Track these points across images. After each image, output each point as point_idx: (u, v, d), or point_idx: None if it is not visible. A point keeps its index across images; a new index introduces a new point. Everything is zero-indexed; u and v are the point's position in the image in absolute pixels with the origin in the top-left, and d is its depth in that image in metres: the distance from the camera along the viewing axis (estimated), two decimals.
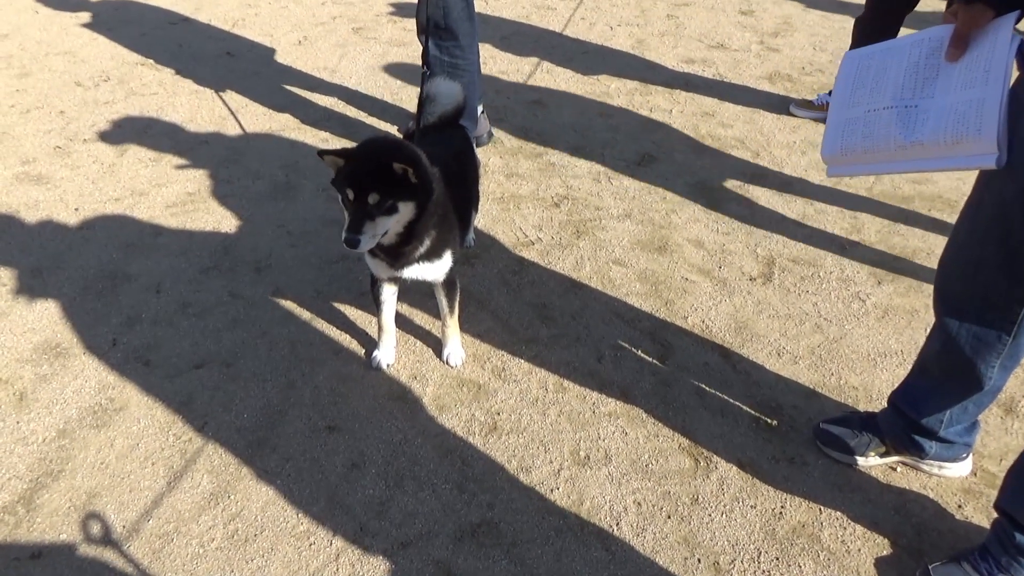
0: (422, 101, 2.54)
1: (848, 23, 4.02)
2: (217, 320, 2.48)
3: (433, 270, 2.10)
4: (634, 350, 2.40)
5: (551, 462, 2.04)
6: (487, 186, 3.19)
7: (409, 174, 1.82)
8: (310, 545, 1.82)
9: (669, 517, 1.91)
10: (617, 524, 1.89)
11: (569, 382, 2.28)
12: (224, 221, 2.96)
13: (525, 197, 3.15)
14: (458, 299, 2.28)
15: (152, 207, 3.02)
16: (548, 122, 3.74)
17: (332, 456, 2.04)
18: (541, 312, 2.54)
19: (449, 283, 2.21)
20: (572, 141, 3.57)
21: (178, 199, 3.07)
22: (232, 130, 3.59)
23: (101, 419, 2.13)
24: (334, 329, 2.46)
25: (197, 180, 3.20)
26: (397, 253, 1.98)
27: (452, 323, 2.29)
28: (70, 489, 1.94)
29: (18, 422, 2.12)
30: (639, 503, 1.95)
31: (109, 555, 1.79)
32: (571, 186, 3.23)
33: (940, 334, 1.79)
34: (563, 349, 2.39)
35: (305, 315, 2.51)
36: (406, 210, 1.87)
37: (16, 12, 4.79)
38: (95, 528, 1.84)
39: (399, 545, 1.83)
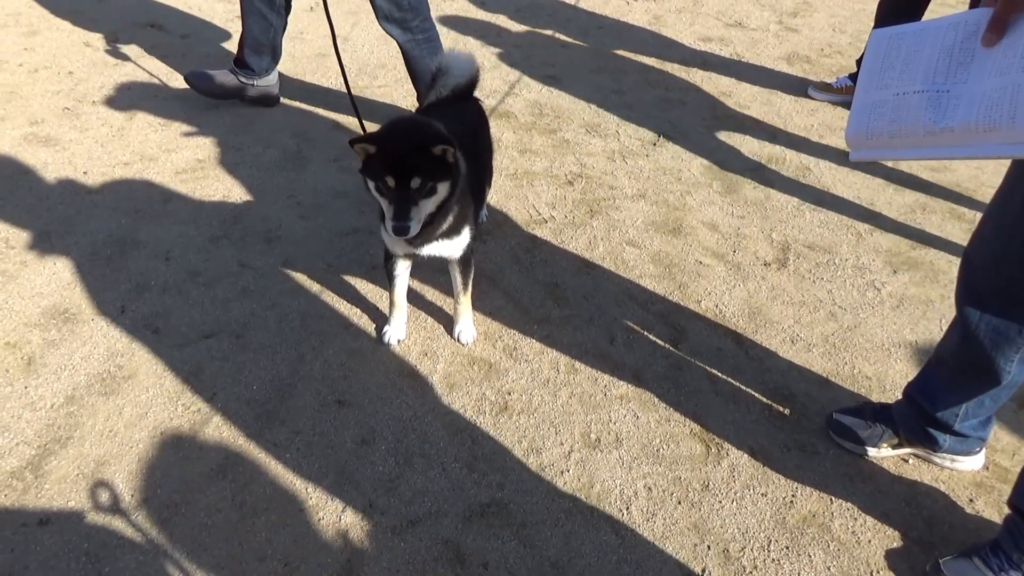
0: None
1: (869, 4, 3.95)
2: (227, 290, 2.46)
3: (452, 247, 2.07)
4: (647, 333, 2.38)
5: (561, 444, 2.03)
6: (500, 161, 3.15)
7: (448, 154, 1.80)
8: (319, 520, 1.81)
9: (679, 503, 1.91)
10: (627, 508, 1.88)
11: (581, 363, 2.26)
12: (234, 189, 2.93)
13: (539, 174, 3.11)
14: (472, 276, 2.25)
15: (161, 173, 2.98)
16: (562, 98, 3.68)
17: (341, 431, 2.03)
18: (553, 292, 2.52)
19: (464, 260, 2.18)
20: (586, 118, 3.52)
21: (188, 165, 3.03)
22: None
23: (110, 386, 2.12)
24: (344, 303, 2.43)
25: (207, 147, 3.16)
26: (420, 231, 1.95)
27: (465, 300, 2.27)
28: (78, 456, 1.93)
29: (26, 387, 2.10)
30: (649, 488, 1.94)
31: (117, 523, 1.78)
32: (585, 164, 3.19)
33: (960, 327, 1.77)
34: (575, 330, 2.37)
35: (315, 287, 2.48)
36: (443, 190, 1.86)
37: None
38: (103, 496, 1.83)
39: (408, 523, 1.82)
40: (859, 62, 3.74)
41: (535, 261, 2.64)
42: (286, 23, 3.22)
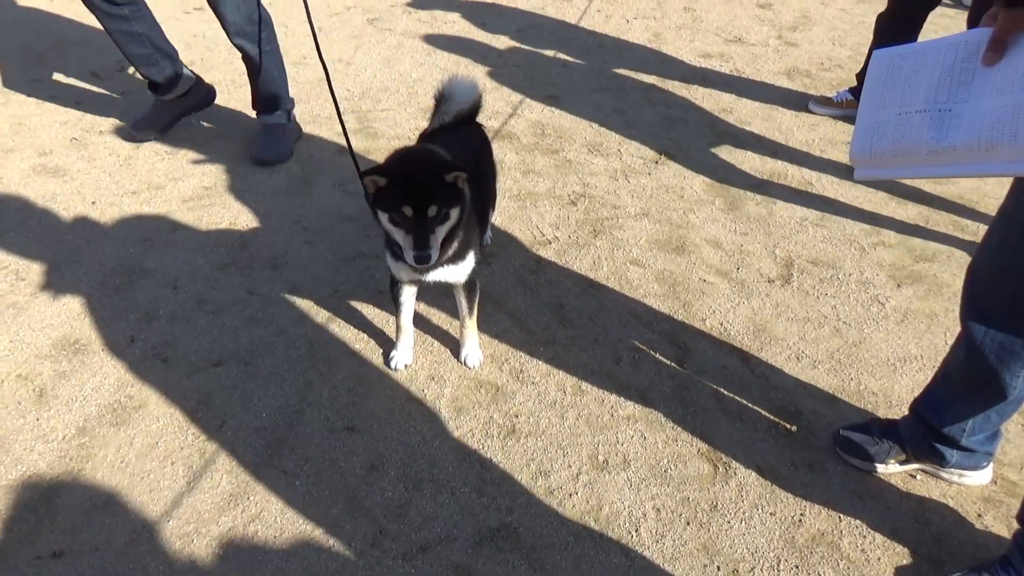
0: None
1: (868, 17, 3.98)
2: (234, 317, 2.48)
3: (457, 272, 2.09)
4: (652, 352, 2.39)
5: (569, 466, 2.04)
6: (504, 183, 3.18)
7: (459, 180, 1.83)
8: (329, 548, 1.82)
9: (688, 524, 1.91)
10: (636, 530, 1.89)
11: (587, 384, 2.28)
12: (240, 216, 2.96)
13: (542, 195, 3.13)
14: (477, 300, 2.27)
15: (169, 201, 3.01)
16: (564, 118, 3.71)
17: (351, 457, 2.04)
18: (558, 313, 2.53)
19: (470, 284, 2.20)
20: (588, 137, 3.55)
21: (194, 193, 3.06)
22: (248, 124, 3.58)
23: (120, 417, 2.14)
24: (351, 328, 2.45)
25: (213, 174, 3.20)
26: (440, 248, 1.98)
27: (471, 324, 2.28)
28: (90, 487, 1.94)
29: (38, 419, 2.13)
30: (658, 509, 1.94)
31: (130, 555, 1.79)
32: (588, 184, 3.21)
33: (965, 342, 1.77)
34: (581, 351, 2.39)
35: (322, 313, 2.50)
36: (455, 215, 1.89)
37: (31, 1, 4.78)
38: (116, 528, 1.85)
39: (418, 548, 1.83)
40: (859, 76, 3.77)
41: (540, 282, 2.66)
42: (152, 21, 3.19)
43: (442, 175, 1.81)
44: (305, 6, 2.50)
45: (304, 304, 2.54)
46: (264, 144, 3.31)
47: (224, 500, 1.92)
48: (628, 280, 2.68)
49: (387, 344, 2.38)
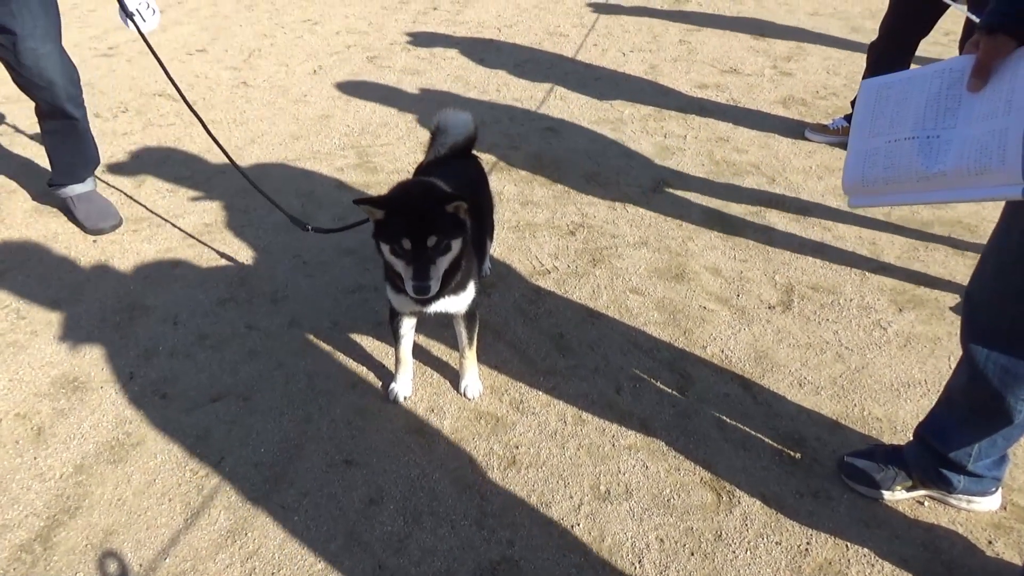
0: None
1: (862, 47, 4.02)
2: (234, 352, 2.48)
3: (458, 303, 2.09)
4: (653, 381, 2.37)
5: (571, 497, 2.01)
6: (502, 214, 3.19)
7: (460, 211, 1.84)
8: None
9: (692, 554, 1.88)
10: (639, 561, 1.86)
11: (588, 414, 2.26)
12: (241, 252, 2.97)
13: (540, 225, 3.14)
14: (477, 330, 2.26)
15: (169, 238, 3.03)
16: (562, 149, 3.74)
17: (350, 491, 2.02)
18: (558, 342, 2.52)
19: (470, 315, 2.19)
20: (587, 168, 3.57)
21: (195, 229, 3.08)
22: (249, 160, 3.61)
23: (118, 454, 2.12)
24: (351, 361, 2.45)
25: (214, 211, 3.22)
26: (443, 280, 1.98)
27: (470, 355, 2.28)
28: (87, 526, 1.92)
29: (35, 457, 2.11)
30: (661, 539, 1.91)
31: None
32: (586, 214, 3.22)
33: (967, 366, 1.76)
34: (581, 380, 2.37)
35: (322, 346, 2.50)
36: (457, 246, 1.88)
37: None
38: (112, 567, 1.83)
39: None
40: (854, 103, 3.79)
41: (539, 312, 2.65)
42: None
43: (442, 206, 1.82)
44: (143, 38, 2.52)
45: (304, 337, 2.54)
46: (100, 210, 3.10)
47: (222, 537, 1.90)
48: (628, 308, 2.67)
49: (387, 376, 2.37)
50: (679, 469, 2.10)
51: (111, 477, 2.06)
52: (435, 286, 1.83)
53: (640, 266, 2.89)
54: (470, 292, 2.11)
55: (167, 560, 1.84)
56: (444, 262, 1.87)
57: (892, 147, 1.48)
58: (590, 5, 5.83)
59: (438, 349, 2.50)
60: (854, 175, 1.55)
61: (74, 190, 3.10)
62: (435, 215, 1.82)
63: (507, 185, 3.43)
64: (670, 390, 2.34)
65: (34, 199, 3.28)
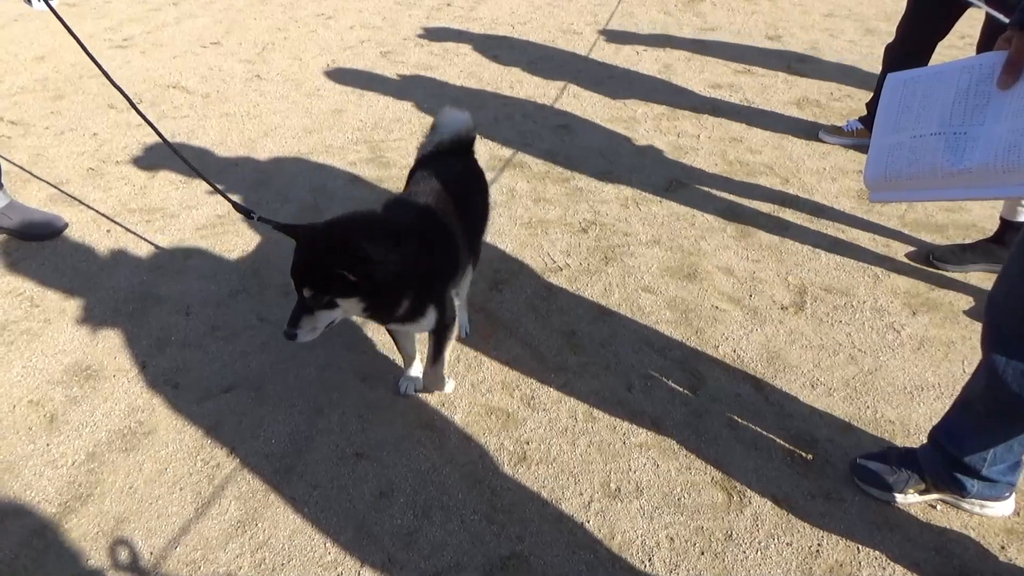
0: None
1: (876, 49, 4.00)
2: (246, 344, 2.48)
3: (416, 326, 2.00)
4: (665, 380, 2.36)
5: (581, 494, 2.01)
6: (515, 211, 3.19)
7: (349, 276, 1.67)
8: (337, 575, 1.80)
9: (703, 553, 1.87)
10: (649, 560, 1.85)
11: (599, 412, 2.25)
12: (252, 244, 2.97)
13: (553, 222, 3.14)
14: (450, 342, 2.14)
15: (182, 229, 3.04)
16: (575, 147, 3.73)
17: (360, 484, 2.02)
18: (570, 339, 2.52)
19: (439, 330, 2.07)
20: (599, 166, 3.56)
21: (208, 221, 3.08)
22: (262, 153, 3.62)
23: (130, 443, 2.13)
24: (361, 354, 2.45)
25: (226, 203, 3.21)
26: (378, 311, 1.87)
27: (438, 363, 2.16)
28: (99, 514, 1.93)
29: (48, 444, 2.12)
30: (672, 538, 1.90)
31: None
32: (599, 211, 3.22)
33: (986, 371, 1.74)
34: (592, 378, 2.37)
35: (333, 340, 2.49)
36: (349, 304, 1.77)
37: (51, 35, 4.88)
38: (123, 554, 1.83)
39: None
40: (869, 105, 3.77)
41: (551, 309, 2.65)
42: None
43: (334, 265, 1.66)
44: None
45: None
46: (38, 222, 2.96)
47: (232, 527, 1.90)
48: (640, 307, 2.67)
49: (397, 370, 2.37)
50: (690, 468, 2.09)
51: (123, 465, 2.06)
52: (304, 336, 1.75)
53: (652, 265, 2.88)
54: (430, 318, 1.98)
55: (178, 549, 1.85)
56: (330, 316, 1.77)
57: (917, 143, 1.47)
58: (603, 3, 5.82)
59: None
60: (876, 170, 1.53)
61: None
62: (318, 268, 1.69)
63: (520, 182, 3.42)
64: (682, 389, 2.34)
65: (48, 188, 3.28)
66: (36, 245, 2.91)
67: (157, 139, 3.63)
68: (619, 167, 3.56)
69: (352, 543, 1.87)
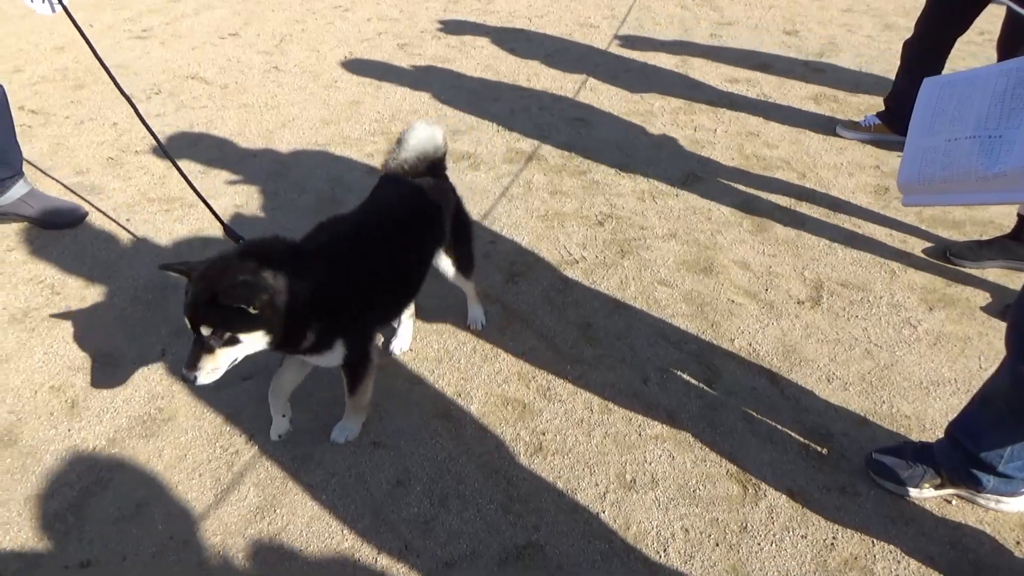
0: None
1: (895, 45, 3.97)
2: None
3: (322, 360, 1.92)
4: (680, 373, 2.37)
5: (597, 484, 2.02)
6: (531, 203, 3.19)
7: (249, 310, 1.62)
8: (356, 562, 1.82)
9: (717, 545, 1.88)
10: (664, 550, 1.86)
11: (614, 403, 2.26)
12: (271, 233, 2.98)
13: (569, 215, 3.14)
14: (361, 384, 2.03)
15: (201, 219, 3.06)
16: (592, 140, 3.73)
17: (377, 472, 2.04)
18: (586, 332, 2.52)
19: (350, 367, 1.98)
20: (616, 159, 3.56)
21: (226, 211, 3.11)
22: (280, 144, 3.64)
23: (150, 429, 2.16)
24: (378, 344, 2.46)
25: (245, 193, 3.25)
26: (279, 348, 1.82)
27: (348, 405, 2.09)
28: (119, 498, 1.96)
29: (69, 430, 2.15)
30: (687, 529, 1.91)
31: (157, 566, 1.80)
32: (615, 204, 3.22)
33: (1011, 372, 1.73)
34: (608, 370, 2.37)
35: None
36: (253, 339, 1.69)
37: (70, 26, 4.89)
38: (143, 538, 1.86)
39: (444, 565, 1.81)
40: (887, 101, 3.75)
41: (567, 302, 2.66)
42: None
43: (231, 299, 1.60)
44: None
45: None
46: (59, 210, 3.01)
47: (251, 512, 1.93)
48: (656, 300, 2.67)
49: (415, 362, 2.39)
50: (705, 460, 2.10)
51: (143, 451, 2.09)
52: (204, 377, 1.67)
53: (668, 258, 2.89)
54: (337, 353, 1.90)
55: (197, 534, 1.87)
56: (233, 353, 1.69)
57: (951, 146, 1.46)
58: None
59: (463, 336, 2.50)
60: (910, 173, 1.53)
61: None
62: (215, 304, 1.60)
63: (536, 174, 3.43)
64: (697, 382, 2.34)
65: (69, 177, 3.32)
66: (57, 233, 2.94)
67: (175, 130, 3.69)
68: (636, 160, 3.55)
69: (369, 530, 1.89)
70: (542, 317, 2.58)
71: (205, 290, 1.63)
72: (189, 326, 1.66)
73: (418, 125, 2.18)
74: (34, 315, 2.55)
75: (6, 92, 2.85)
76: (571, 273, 2.80)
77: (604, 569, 1.81)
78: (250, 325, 1.66)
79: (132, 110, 2.40)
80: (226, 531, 1.88)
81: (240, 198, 3.20)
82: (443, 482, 2.02)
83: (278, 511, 1.93)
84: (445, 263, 2.29)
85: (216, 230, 2.99)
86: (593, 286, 2.74)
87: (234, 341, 1.67)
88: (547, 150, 3.63)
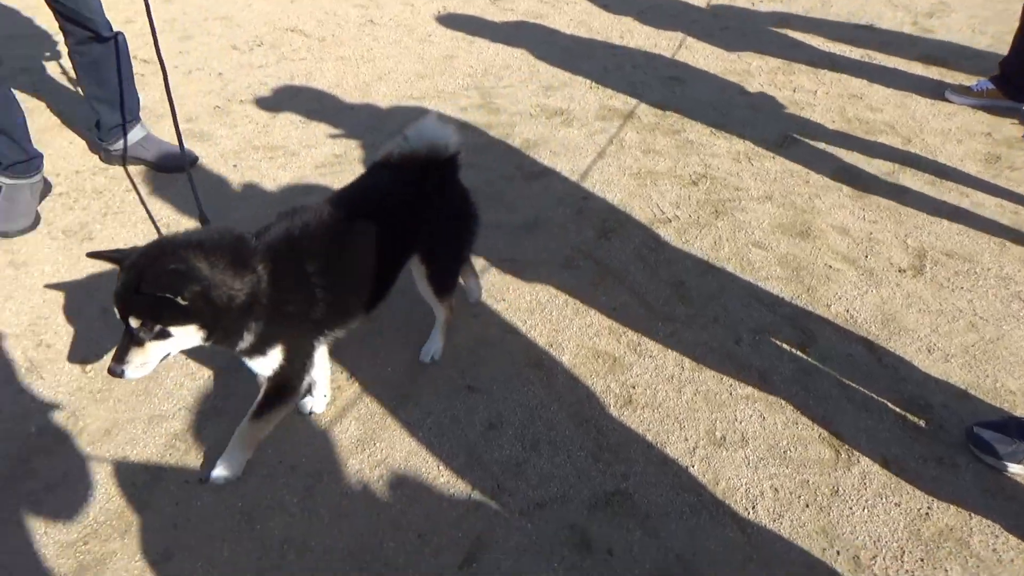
0: None
1: (1013, 5, 3.75)
2: None
3: (256, 365, 1.82)
4: (774, 335, 2.35)
5: (686, 439, 2.04)
6: (623, 160, 3.18)
7: (178, 300, 1.52)
8: (450, 496, 1.90)
9: (807, 506, 1.88)
10: (753, 507, 1.88)
11: (706, 362, 2.26)
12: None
13: (662, 174, 3.12)
14: (274, 411, 1.87)
15: (302, 167, 3.17)
16: (687, 99, 3.67)
17: (471, 414, 2.11)
18: (678, 290, 2.52)
19: (275, 382, 1.84)
20: (711, 119, 3.50)
21: (326, 160, 3.21)
22: (376, 97, 3.71)
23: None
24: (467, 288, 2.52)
25: (343, 143, 3.33)
26: (216, 344, 1.70)
27: (239, 431, 1.91)
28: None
29: (186, 358, 2.29)
30: (776, 489, 1.92)
31: (267, 487, 1.92)
32: (710, 165, 3.17)
33: None
34: (700, 329, 2.37)
35: None
36: (185, 333, 1.58)
37: None
38: (255, 461, 1.98)
39: (535, 505, 1.88)
40: (1002, 64, 3.55)
41: (659, 260, 2.65)
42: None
43: (160, 288, 1.50)
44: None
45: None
46: (173, 154, 3.07)
47: (353, 444, 2.03)
48: (750, 262, 2.64)
49: (508, 312, 2.44)
50: (797, 423, 2.09)
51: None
52: (132, 372, 1.58)
53: (764, 220, 2.84)
54: (272, 360, 1.79)
55: (304, 461, 1.98)
56: (164, 347, 1.59)
57: None
58: None
59: (553, 289, 2.53)
60: None
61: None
62: (146, 296, 1.51)
63: (629, 132, 3.40)
64: (791, 346, 2.32)
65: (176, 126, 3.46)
66: (170, 177, 3.10)
67: (279, 80, 3.79)
68: (732, 121, 3.48)
69: (463, 468, 1.97)
70: (634, 274, 2.59)
71: (134, 278, 1.53)
72: (118, 316, 1.55)
73: (427, 119, 2.01)
74: None
75: (126, 39, 2.99)
76: (663, 232, 2.79)
77: (692, 520, 1.84)
78: (180, 318, 1.55)
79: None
80: (330, 460, 1.99)
81: (339, 148, 3.29)
82: (534, 427, 2.07)
83: (378, 444, 2.03)
84: (417, 273, 2.10)
85: (319, 177, 3.10)
86: (685, 245, 2.72)
87: (164, 335, 1.56)
88: (641, 109, 3.59)
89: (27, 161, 2.77)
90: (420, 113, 3.55)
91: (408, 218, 1.97)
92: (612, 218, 2.85)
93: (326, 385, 2.12)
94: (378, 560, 1.77)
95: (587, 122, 3.49)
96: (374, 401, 2.15)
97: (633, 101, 3.65)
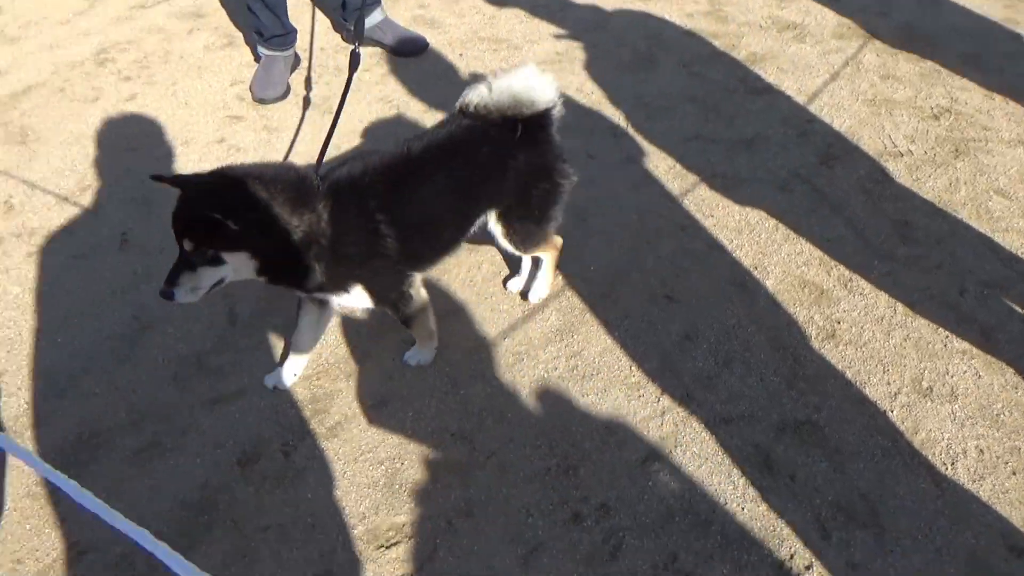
0: None
1: None
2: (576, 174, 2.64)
3: (345, 301, 1.83)
4: (1005, 292, 2.18)
5: (888, 384, 1.98)
6: (858, 85, 2.97)
7: (228, 225, 1.52)
8: (639, 396, 1.98)
9: (1015, 474, 1.79)
10: (952, 464, 1.81)
11: (922, 309, 2.15)
12: (585, 84, 3.09)
13: (900, 103, 2.88)
14: (416, 321, 1.95)
15: (524, 61, 3.20)
16: (940, 23, 3.32)
17: (667, 323, 2.15)
18: (901, 229, 2.38)
19: (393, 310, 1.90)
20: (966, 48, 3.15)
21: (547, 56, 3.24)
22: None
23: (471, 246, 2.40)
24: (679, 207, 2.51)
25: (565, 42, 3.34)
26: (275, 281, 1.74)
27: (414, 336, 2.02)
28: (443, 296, 2.26)
29: None
30: (981, 450, 1.83)
31: (471, 360, 2.08)
32: (956, 99, 2.89)
33: None
34: (921, 273, 2.24)
35: (655, 188, 2.58)
36: (239, 260, 1.61)
37: None
38: (463, 334, 2.14)
39: (721, 419, 1.92)
40: None
41: (884, 195, 2.50)
42: None
43: (213, 211, 1.51)
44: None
45: (638, 175, 2.64)
46: (407, 38, 3.29)
47: (552, 333, 2.14)
48: (989, 210, 2.43)
49: (716, 228, 2.42)
50: (1017, 388, 1.96)
51: (466, 261, 2.36)
52: (182, 295, 1.59)
53: (1012, 167, 2.58)
54: (357, 297, 1.81)
55: (506, 340, 2.13)
56: (216, 274, 1.60)
57: None
58: None
59: (763, 212, 2.46)
60: None
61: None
62: (196, 218, 1.54)
63: (868, 54, 3.15)
64: (1023, 306, 2.14)
65: (412, 10, 3.61)
66: (402, 60, 3.26)
67: None
68: (990, 53, 3.12)
69: (655, 372, 2.03)
70: (854, 206, 2.47)
71: (191, 201, 1.58)
72: (175, 237, 1.59)
73: (519, 71, 1.89)
74: (378, 130, 2.90)
75: None
76: (892, 166, 2.61)
77: (884, 464, 1.81)
78: (232, 244, 1.57)
79: None
80: (530, 343, 2.12)
81: (561, 46, 3.31)
82: (730, 345, 2.08)
83: (575, 336, 2.13)
84: (495, 230, 2.02)
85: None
86: (916, 184, 2.54)
87: (216, 260, 1.59)
88: (884, 27, 3.30)
89: (284, 35, 3.02)
90: (643, 19, 3.48)
91: (482, 173, 1.89)
92: (837, 145, 2.70)
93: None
94: (566, 440, 1.89)
95: (822, 39, 3.26)
96: (575, 295, 2.24)
97: (877, 20, 3.35)
